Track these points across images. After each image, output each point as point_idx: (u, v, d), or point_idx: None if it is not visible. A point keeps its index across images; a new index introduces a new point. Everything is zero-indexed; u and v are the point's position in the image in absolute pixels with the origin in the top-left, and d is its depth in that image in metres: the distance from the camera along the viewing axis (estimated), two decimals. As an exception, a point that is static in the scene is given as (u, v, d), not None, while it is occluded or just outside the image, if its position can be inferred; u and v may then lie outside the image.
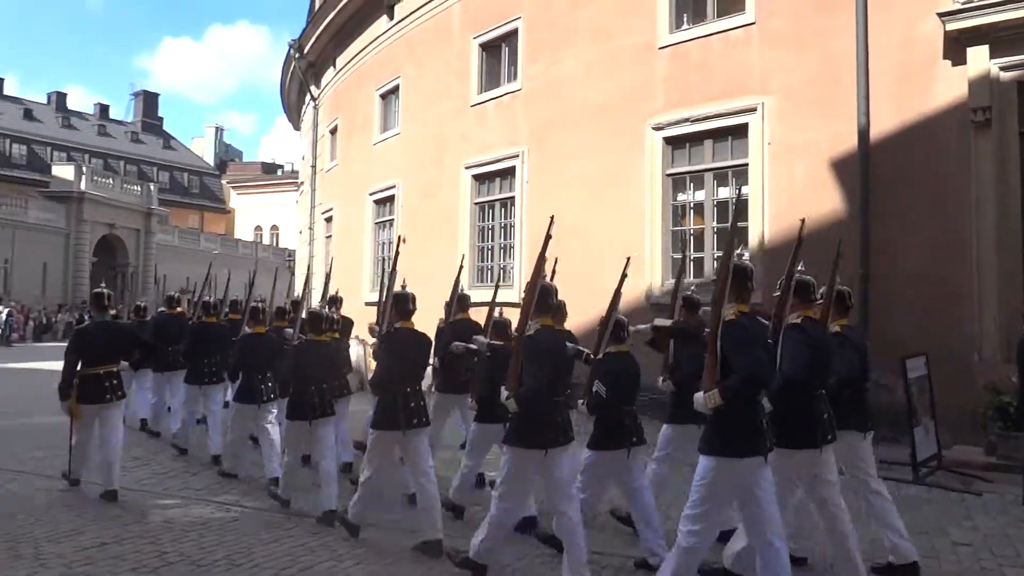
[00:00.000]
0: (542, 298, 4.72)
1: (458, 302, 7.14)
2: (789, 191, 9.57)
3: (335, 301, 8.39)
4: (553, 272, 6.09)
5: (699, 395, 3.86)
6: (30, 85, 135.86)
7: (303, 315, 6.79)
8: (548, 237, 5.05)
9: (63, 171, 39.41)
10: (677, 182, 10.84)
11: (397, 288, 5.55)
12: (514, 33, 13.04)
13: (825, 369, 4.41)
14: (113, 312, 7.81)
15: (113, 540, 5.17)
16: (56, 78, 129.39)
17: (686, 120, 10.46)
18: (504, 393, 4.56)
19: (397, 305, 5.39)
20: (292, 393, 5.97)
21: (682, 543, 3.85)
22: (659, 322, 4.70)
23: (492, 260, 13.49)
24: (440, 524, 5.00)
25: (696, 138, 10.54)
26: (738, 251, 4.04)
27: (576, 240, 11.65)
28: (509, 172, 13.01)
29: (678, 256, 10.67)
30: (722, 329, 3.83)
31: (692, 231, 10.74)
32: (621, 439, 4.87)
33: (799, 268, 4.52)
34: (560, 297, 5.02)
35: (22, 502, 6.12)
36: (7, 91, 53.49)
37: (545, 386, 4.46)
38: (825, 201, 9.27)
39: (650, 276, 10.68)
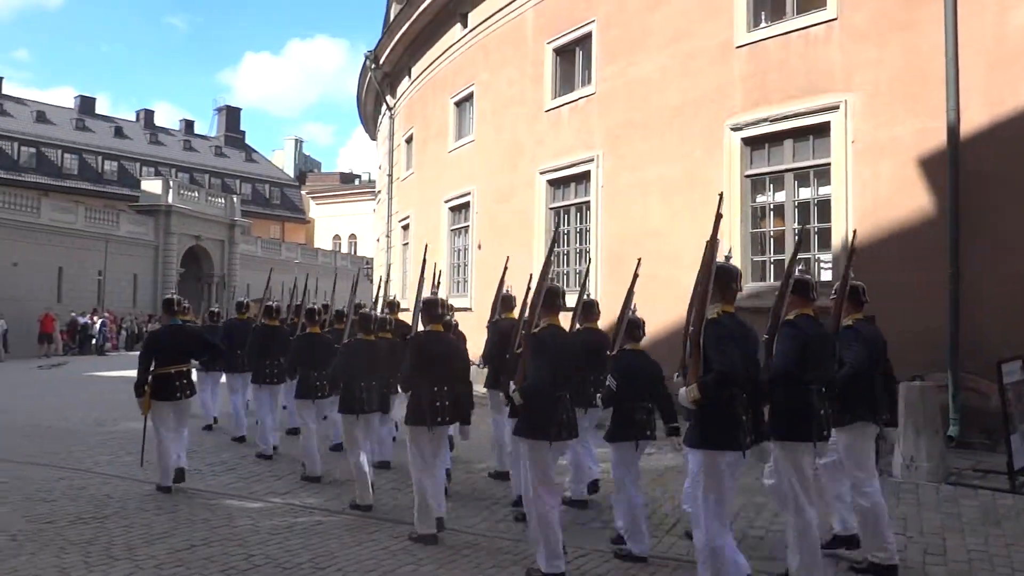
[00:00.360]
0: (550, 299, 4.93)
1: (502, 302, 7.37)
2: (874, 190, 9.23)
3: (392, 306, 8.51)
4: (635, 276, 6.03)
5: (682, 390, 4.05)
6: (120, 104, 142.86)
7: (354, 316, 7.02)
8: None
9: (151, 186, 41.14)
10: (756, 183, 10.58)
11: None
12: (588, 37, 12.99)
13: (820, 365, 4.45)
14: (188, 316, 8.52)
15: (202, 543, 5.33)
16: (144, 96, 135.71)
17: (765, 120, 10.21)
18: (511, 387, 4.83)
19: (427, 310, 5.77)
20: (342, 389, 6.29)
21: (704, 544, 3.96)
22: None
23: (568, 265, 13.44)
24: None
25: (776, 138, 10.27)
26: (726, 253, 4.28)
27: (654, 243, 11.53)
28: (584, 176, 12.94)
29: (758, 259, 10.43)
30: (704, 328, 4.03)
31: (772, 233, 10.47)
32: (630, 432, 5.10)
33: (799, 268, 4.82)
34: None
35: (115, 505, 6.36)
36: (99, 110, 56.24)
37: (546, 381, 4.67)
38: (912, 200, 8.91)
39: (729, 280, 10.45)
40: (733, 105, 10.59)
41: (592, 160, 12.62)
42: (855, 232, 6.83)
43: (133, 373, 7.27)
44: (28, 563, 4.87)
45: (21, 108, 49.49)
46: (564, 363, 4.81)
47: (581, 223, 13.19)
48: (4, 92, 50.31)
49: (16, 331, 24.81)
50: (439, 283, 7.57)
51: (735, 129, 10.51)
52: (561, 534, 4.63)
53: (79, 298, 32.93)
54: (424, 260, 7.16)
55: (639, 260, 6.58)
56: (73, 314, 29.40)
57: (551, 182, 13.72)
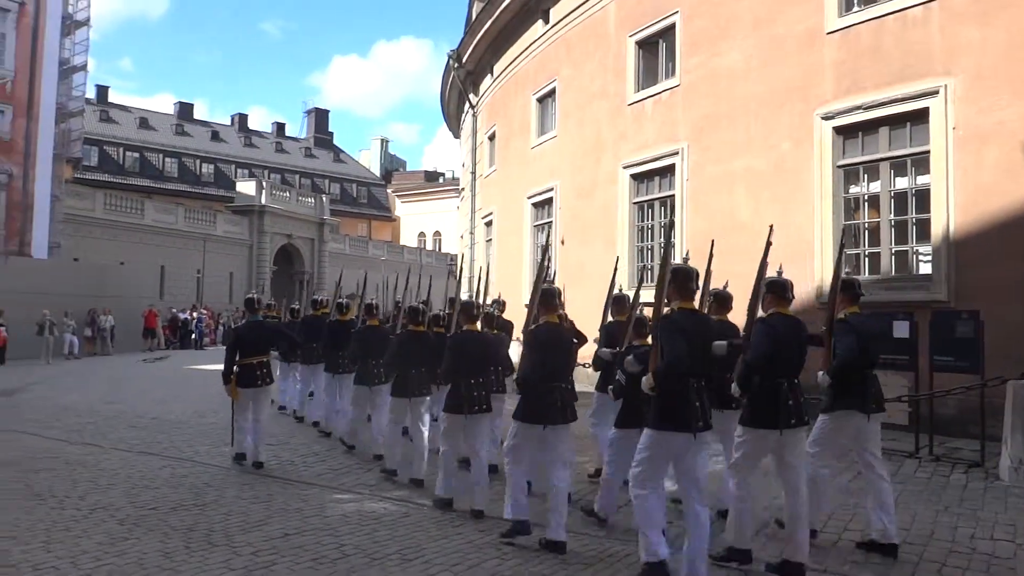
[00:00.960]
0: (546, 298, 5.45)
1: (614, 303, 7.05)
2: (977, 179, 8.77)
3: (499, 304, 8.48)
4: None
5: (645, 378, 4.53)
6: (217, 108, 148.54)
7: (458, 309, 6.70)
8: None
9: (246, 187, 42.75)
10: (849, 173, 10.20)
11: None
12: (671, 28, 12.78)
13: (790, 360, 4.85)
14: (273, 313, 8.48)
15: (295, 531, 5.50)
16: (239, 101, 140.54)
17: (858, 108, 9.83)
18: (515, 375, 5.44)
19: (465, 310, 6.18)
20: (451, 386, 6.15)
21: (632, 497, 4.53)
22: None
23: (652, 260, 13.27)
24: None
25: (870, 126, 9.88)
26: (684, 255, 4.75)
27: (741, 237, 11.24)
28: (668, 170, 12.75)
29: (852, 251, 10.05)
30: (659, 322, 4.51)
31: (867, 224, 10.07)
32: (636, 421, 5.16)
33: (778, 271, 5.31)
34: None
35: (214, 494, 6.63)
36: (197, 115, 58.76)
37: (538, 372, 5.24)
38: (1019, 188, 8.43)
39: (821, 273, 10.10)
40: (823, 93, 10.24)
41: (676, 153, 12.42)
42: (844, 230, 6.61)
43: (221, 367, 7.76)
44: (134, 546, 5.14)
45: (125, 115, 52.15)
46: (558, 356, 5.40)
47: (665, 217, 13.00)
48: (110, 100, 53.09)
49: (122, 327, 26.19)
50: (486, 285, 7.80)
51: (826, 118, 10.16)
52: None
53: (179, 295, 34.58)
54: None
55: (617, 258, 7.94)
56: (173, 310, 30.83)
57: (635, 176, 13.57)
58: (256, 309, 8.40)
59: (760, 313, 5.06)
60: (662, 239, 13.05)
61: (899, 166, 9.73)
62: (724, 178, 11.60)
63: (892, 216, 9.72)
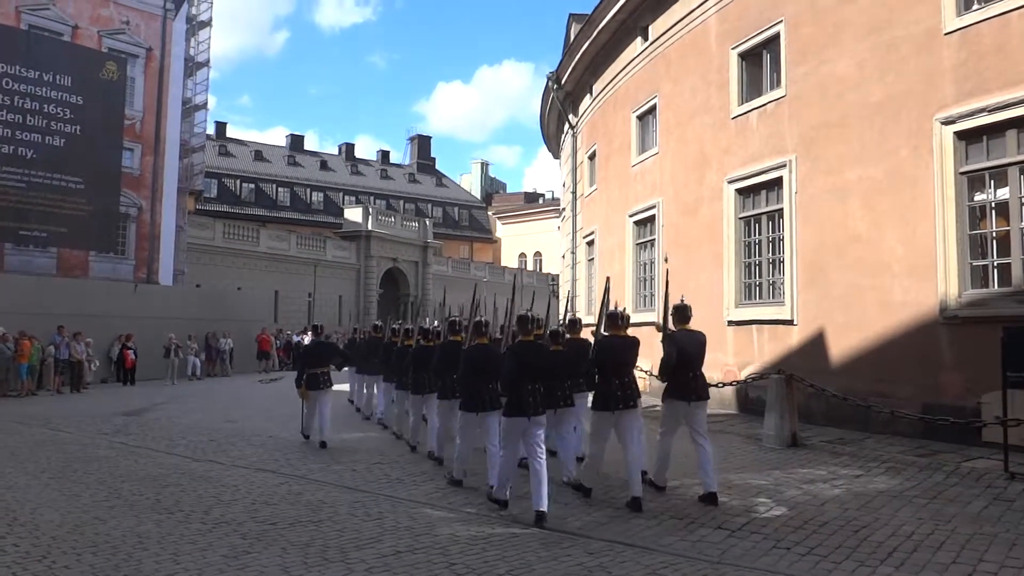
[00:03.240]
0: (521, 324, 7.32)
1: (676, 314, 7.60)
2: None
3: (574, 323, 8.63)
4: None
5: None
6: (326, 139, 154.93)
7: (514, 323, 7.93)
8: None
9: (353, 213, 44.21)
10: (973, 180, 9.60)
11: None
12: (776, 38, 12.44)
13: (691, 360, 7.20)
14: (338, 334, 12.32)
15: (407, 549, 5.57)
16: (347, 131, 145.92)
17: (982, 111, 9.26)
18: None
19: (521, 324, 7.38)
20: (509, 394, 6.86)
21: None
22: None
23: (760, 276, 12.87)
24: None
25: (995, 129, 9.27)
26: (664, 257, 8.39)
27: (856, 250, 10.81)
28: (776, 183, 12.36)
29: (979, 263, 9.45)
30: (594, 344, 7.37)
31: (994, 234, 9.44)
32: (610, 403, 6.90)
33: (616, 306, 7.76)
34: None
35: (328, 511, 6.80)
36: (307, 146, 61.37)
37: (514, 378, 6.67)
38: None
39: (944, 286, 9.54)
40: (943, 97, 9.71)
41: (784, 166, 12.03)
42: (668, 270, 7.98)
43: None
44: (255, 560, 5.32)
45: (241, 148, 55.03)
46: (534, 366, 6.79)
47: (773, 232, 12.60)
48: (227, 135, 56.15)
49: (240, 349, 27.47)
50: (570, 302, 9.08)
51: (946, 123, 9.62)
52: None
53: (292, 318, 36.00)
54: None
55: (608, 279, 9.19)
56: (288, 333, 32.07)
57: (740, 191, 13.22)
58: (319, 333, 11.95)
59: (671, 328, 7.43)
60: (771, 254, 12.65)
61: (1031, 170, 9.09)
62: (836, 189, 11.15)
63: (1023, 224, 9.08)
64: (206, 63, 31.32)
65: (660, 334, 7.40)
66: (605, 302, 8.00)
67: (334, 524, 6.30)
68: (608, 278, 9.22)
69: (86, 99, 26.05)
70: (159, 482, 8.04)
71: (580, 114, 21.88)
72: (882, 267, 10.37)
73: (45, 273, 25.07)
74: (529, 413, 6.60)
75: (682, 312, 7.50)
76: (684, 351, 7.14)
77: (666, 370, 7.15)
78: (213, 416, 14.01)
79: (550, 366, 7.04)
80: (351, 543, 5.73)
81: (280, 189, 53.51)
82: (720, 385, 12.41)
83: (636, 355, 7.36)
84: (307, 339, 30.85)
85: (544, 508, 6.24)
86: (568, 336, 8.10)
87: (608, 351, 7.08)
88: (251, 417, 13.73)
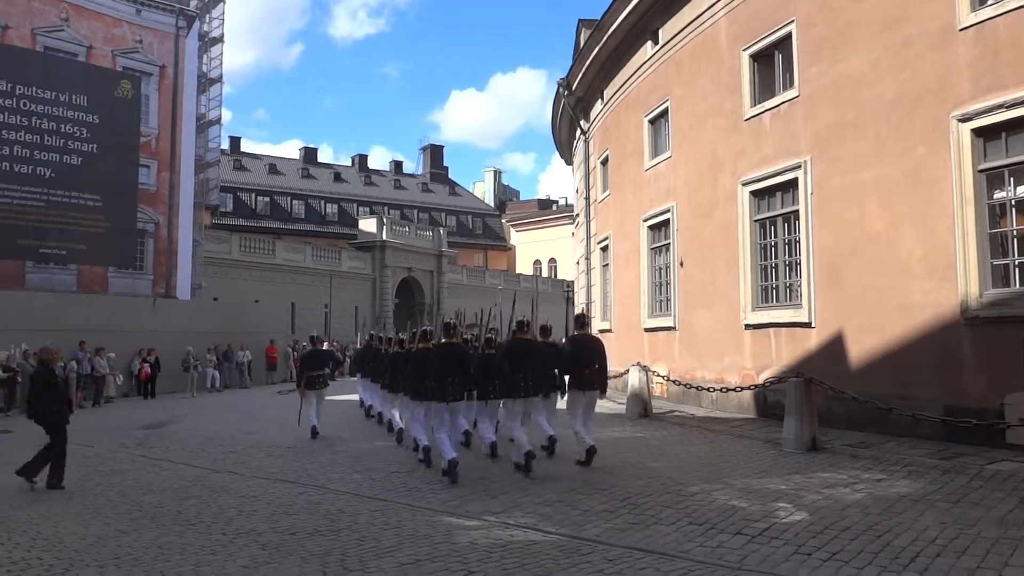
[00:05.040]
0: (446, 329, 9.23)
1: (576, 320, 10.39)
2: None
3: (544, 330, 9.84)
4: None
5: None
6: (341, 150, 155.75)
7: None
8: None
9: (367, 224, 44.40)
10: (992, 178, 9.50)
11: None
12: (788, 38, 12.39)
13: (589, 358, 9.35)
14: (326, 343, 12.25)
15: (426, 558, 5.55)
16: (361, 142, 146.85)
17: (1000, 107, 9.16)
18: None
19: (519, 327, 9.42)
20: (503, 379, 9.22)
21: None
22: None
23: (776, 279, 12.79)
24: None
25: (1014, 126, 9.15)
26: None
27: (874, 251, 10.72)
28: (791, 184, 12.28)
29: (999, 262, 9.33)
30: (505, 347, 9.37)
31: (1015, 232, 9.33)
32: (583, 385, 9.38)
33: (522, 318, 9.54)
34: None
35: (347, 520, 6.80)
36: (321, 159, 61.76)
37: (435, 371, 8.78)
38: None
39: (965, 286, 9.43)
40: (960, 94, 9.62)
41: (799, 167, 11.96)
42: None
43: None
44: (276, 571, 5.32)
45: (256, 162, 55.44)
46: (451, 361, 8.84)
47: (789, 234, 12.52)
48: (242, 149, 56.58)
49: (258, 361, 27.62)
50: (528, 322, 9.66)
51: (963, 120, 9.53)
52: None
53: (309, 329, 35.93)
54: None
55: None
56: (304, 344, 32.14)
57: (755, 193, 13.15)
58: (316, 342, 14.93)
59: (573, 332, 9.83)
60: (787, 257, 12.57)
61: (1050, 166, 8.99)
62: (852, 190, 11.06)
63: (1045, 221, 8.97)
64: (219, 79, 31.61)
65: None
66: (579, 310, 9.69)
67: (353, 533, 6.30)
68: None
69: (102, 117, 26.35)
70: (180, 494, 8.08)
71: (591, 119, 21.88)
72: (901, 268, 10.28)
73: (66, 290, 25.35)
74: (521, 395, 8.96)
75: (579, 320, 9.91)
76: (581, 353, 9.37)
77: (566, 368, 9.53)
78: (232, 428, 14.08)
79: (537, 358, 9.17)
80: (370, 552, 5.72)
81: (295, 201, 53.84)
82: (738, 389, 12.36)
83: (602, 350, 9.67)
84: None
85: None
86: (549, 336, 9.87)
87: (578, 345, 9.54)
88: (269, 429, 13.77)
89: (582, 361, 9.29)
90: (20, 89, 24.61)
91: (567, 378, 9.60)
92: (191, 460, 10.42)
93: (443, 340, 9.12)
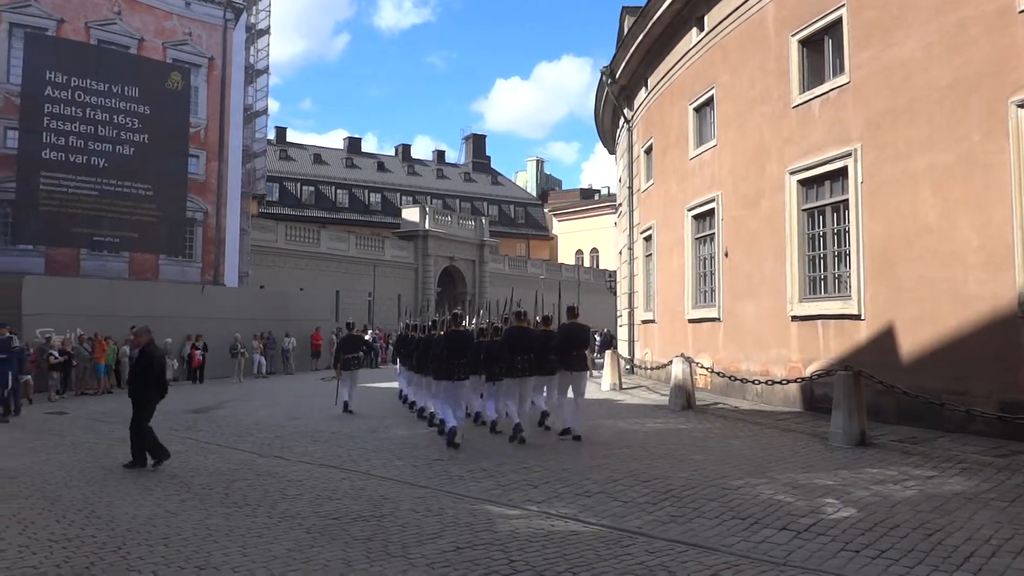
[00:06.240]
0: (454, 319, 10.86)
1: (568, 310, 12.04)
2: None
3: (545, 320, 11.59)
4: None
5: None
6: (385, 140, 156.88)
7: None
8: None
9: (410, 213, 44.68)
10: (1053, 165, 9.16)
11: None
12: (838, 23, 12.08)
13: (578, 343, 10.67)
14: (360, 330, 13.26)
15: (467, 545, 5.57)
16: (405, 132, 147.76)
17: (1062, 91, 8.83)
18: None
19: (517, 316, 11.31)
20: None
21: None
22: None
23: (824, 270, 12.53)
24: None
25: (1077, 110, 8.84)
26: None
27: (927, 240, 10.44)
28: (840, 173, 12.00)
29: (1060, 252, 9.00)
30: (504, 333, 10.95)
31: (1079, 221, 8.99)
32: (572, 366, 10.54)
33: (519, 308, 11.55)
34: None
35: (390, 506, 6.86)
36: (365, 148, 62.26)
37: (444, 354, 10.39)
38: None
39: (1022, 277, 9.12)
40: (1018, 78, 9.28)
41: (849, 155, 11.68)
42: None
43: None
44: (319, 554, 5.40)
45: (301, 152, 56.12)
46: (455, 346, 10.42)
47: (838, 224, 12.25)
48: (288, 140, 57.30)
49: (302, 348, 28.04)
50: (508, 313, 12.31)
51: (1022, 105, 9.20)
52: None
53: (353, 317, 36.48)
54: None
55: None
56: (340, 328, 32.54)
57: (802, 182, 12.89)
58: (351, 327, 15.74)
59: (564, 321, 10.90)
60: (836, 247, 12.31)
61: (1115, 153, 8.63)
62: (905, 178, 10.77)
63: (1109, 210, 8.63)
64: (265, 70, 32.03)
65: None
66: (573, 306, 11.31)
67: (396, 519, 6.35)
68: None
69: (153, 109, 26.91)
70: (227, 477, 8.24)
71: (635, 108, 21.66)
72: (955, 258, 9.99)
73: (118, 277, 26.01)
74: (518, 375, 10.53)
75: (570, 311, 11.01)
76: (569, 339, 10.59)
77: (556, 350, 10.60)
78: (277, 413, 14.32)
79: (534, 343, 10.64)
80: (412, 538, 5.77)
81: (339, 191, 54.42)
82: (784, 382, 12.15)
83: (586, 336, 11.19)
84: (368, 336, 31.41)
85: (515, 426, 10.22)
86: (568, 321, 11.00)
87: (566, 332, 10.74)
88: (314, 415, 13.97)
89: (570, 346, 10.57)
90: (75, 81, 25.26)
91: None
92: (238, 444, 10.63)
93: (451, 328, 10.68)
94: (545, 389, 11.42)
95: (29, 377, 16.12)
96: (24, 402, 15.43)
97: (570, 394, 10.68)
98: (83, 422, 13.61)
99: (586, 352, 11.02)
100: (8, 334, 14.24)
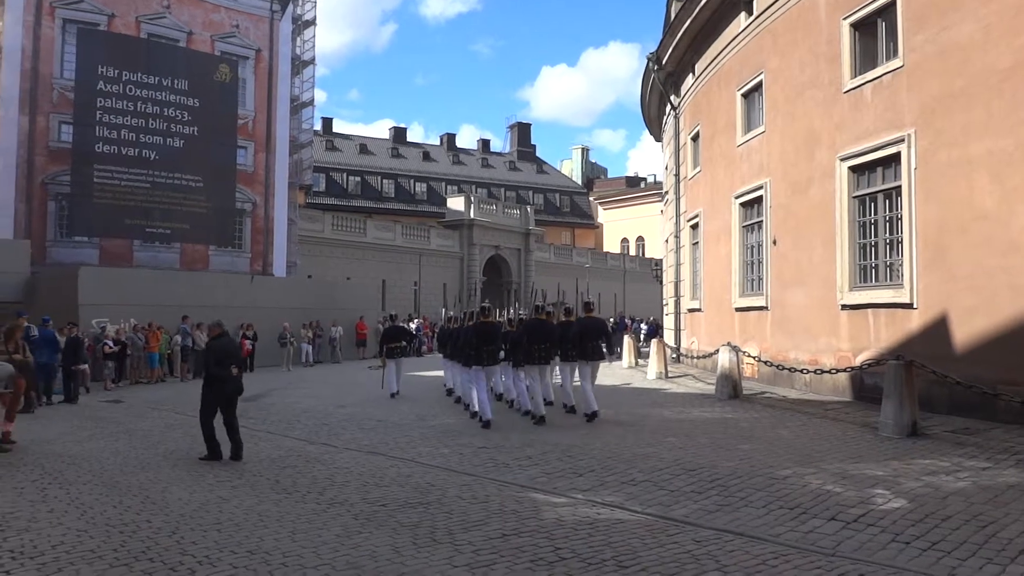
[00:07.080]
0: (482, 311, 11.91)
1: (584, 305, 13.14)
2: None
3: (565, 310, 12.99)
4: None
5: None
6: (431, 129, 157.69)
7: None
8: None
9: (455, 203, 44.88)
10: (1119, 149, 8.82)
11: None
12: (891, 5, 11.76)
13: (595, 335, 11.50)
14: (404, 319, 14.21)
15: (513, 532, 5.61)
16: (451, 121, 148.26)
17: None
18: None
19: (535, 310, 12.87)
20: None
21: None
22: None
23: (876, 258, 12.26)
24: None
25: None
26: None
27: (984, 228, 10.14)
28: (893, 159, 11.71)
29: None
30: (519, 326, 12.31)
31: None
32: (587, 355, 11.40)
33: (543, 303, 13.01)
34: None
35: (436, 493, 6.94)
36: (411, 138, 62.62)
37: (471, 345, 11.40)
38: None
39: (1086, 265, 8.81)
40: (1083, 59, 8.95)
41: (902, 140, 11.39)
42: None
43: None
44: (367, 540, 5.49)
45: (347, 143, 56.69)
46: (486, 339, 11.35)
47: (890, 211, 11.97)
48: (334, 130, 57.91)
49: (348, 337, 28.42)
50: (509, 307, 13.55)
51: (1087, 87, 8.86)
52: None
53: (399, 306, 36.89)
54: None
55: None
56: (386, 318, 32.89)
57: (853, 168, 12.61)
58: (394, 319, 17.37)
59: (581, 315, 11.85)
60: (888, 235, 12.03)
61: None
62: (961, 164, 10.47)
63: None
64: (312, 61, 32.39)
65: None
66: (588, 301, 12.62)
67: (442, 506, 6.42)
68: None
69: (202, 101, 27.45)
70: (277, 464, 8.43)
71: (682, 95, 21.39)
72: (1013, 246, 9.68)
73: (170, 267, 26.65)
74: (536, 363, 11.62)
75: (587, 306, 12.13)
76: (586, 331, 11.45)
77: (568, 342, 11.59)
78: (325, 402, 14.56)
79: (551, 334, 11.76)
80: (459, 525, 5.83)
81: (385, 181, 54.88)
82: (834, 371, 11.96)
83: (601, 328, 11.92)
84: (413, 325, 31.74)
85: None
86: (585, 315, 11.95)
87: (583, 325, 11.62)
88: (361, 402, 14.18)
89: (587, 337, 11.47)
90: (126, 75, 25.90)
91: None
92: (287, 431, 10.85)
93: (480, 320, 11.79)
94: (561, 376, 12.27)
95: (86, 366, 16.61)
96: (81, 390, 15.95)
97: (577, 380, 11.67)
98: (138, 410, 14.00)
99: (601, 344, 11.78)
100: (48, 328, 14.93)
